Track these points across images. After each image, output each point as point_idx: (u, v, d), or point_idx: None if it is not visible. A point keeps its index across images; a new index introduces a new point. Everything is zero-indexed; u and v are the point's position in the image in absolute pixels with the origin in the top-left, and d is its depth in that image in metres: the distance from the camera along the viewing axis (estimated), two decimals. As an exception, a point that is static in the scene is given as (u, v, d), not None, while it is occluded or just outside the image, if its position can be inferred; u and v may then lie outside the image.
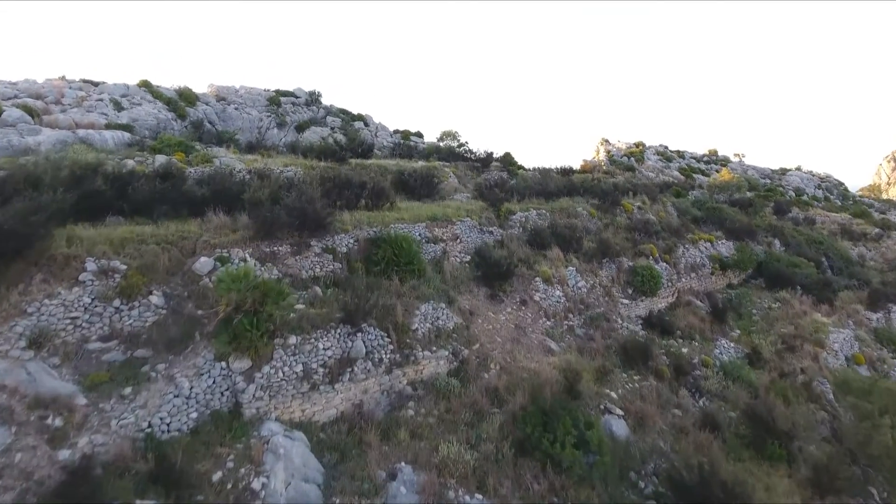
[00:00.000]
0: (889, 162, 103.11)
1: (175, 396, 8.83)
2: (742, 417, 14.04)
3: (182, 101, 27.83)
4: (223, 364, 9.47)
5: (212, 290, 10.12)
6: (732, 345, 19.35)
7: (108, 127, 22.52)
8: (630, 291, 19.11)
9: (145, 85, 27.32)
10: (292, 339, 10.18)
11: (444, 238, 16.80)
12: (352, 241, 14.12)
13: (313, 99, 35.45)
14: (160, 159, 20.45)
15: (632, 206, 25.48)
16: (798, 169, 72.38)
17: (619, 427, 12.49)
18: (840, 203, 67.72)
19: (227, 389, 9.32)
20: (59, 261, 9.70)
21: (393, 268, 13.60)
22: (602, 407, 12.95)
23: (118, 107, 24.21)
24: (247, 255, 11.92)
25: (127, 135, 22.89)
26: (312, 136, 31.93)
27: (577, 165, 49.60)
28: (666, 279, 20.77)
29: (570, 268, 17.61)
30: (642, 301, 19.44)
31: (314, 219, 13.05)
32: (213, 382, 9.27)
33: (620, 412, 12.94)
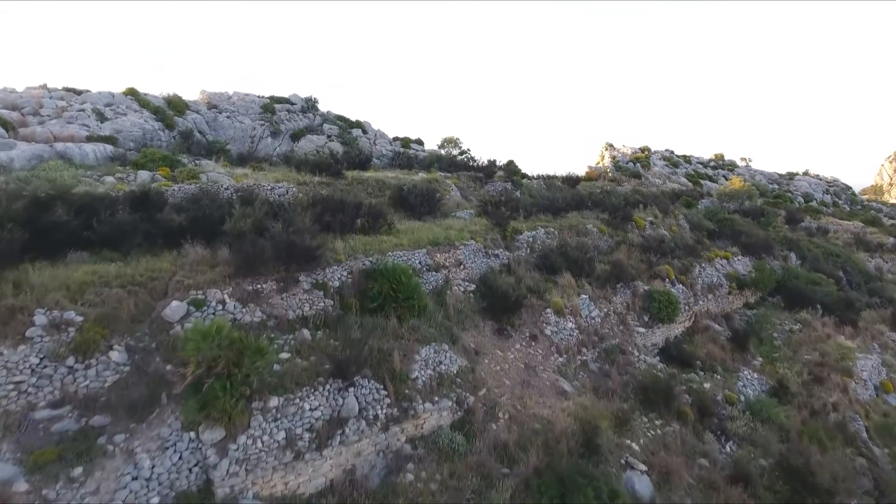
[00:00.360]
0: (891, 162, 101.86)
1: (133, 479, 7.52)
2: (776, 468, 12.74)
3: (171, 109, 26.51)
4: (192, 435, 8.17)
5: (183, 342, 8.80)
6: (756, 375, 18.04)
7: (90, 139, 21.20)
8: (646, 318, 17.78)
9: (132, 93, 26.01)
10: (273, 402, 8.86)
11: (447, 264, 15.48)
12: (345, 273, 12.81)
13: (309, 105, 34.14)
14: (143, 175, 19.17)
15: (644, 222, 24.15)
16: (806, 174, 71.10)
17: (643, 485, 11.19)
18: (848, 208, 66.48)
19: (195, 465, 8.01)
20: (3, 313, 8.39)
21: (391, 304, 12.28)
22: (623, 461, 11.65)
23: (101, 117, 22.90)
24: (226, 297, 10.60)
25: (110, 148, 21.57)
26: (308, 144, 30.64)
27: (580, 169, 48.23)
28: (683, 303, 19.44)
29: (583, 296, 16.29)
30: (659, 328, 18.11)
31: (304, 251, 11.73)
32: (180, 458, 7.96)
33: (644, 467, 11.63)
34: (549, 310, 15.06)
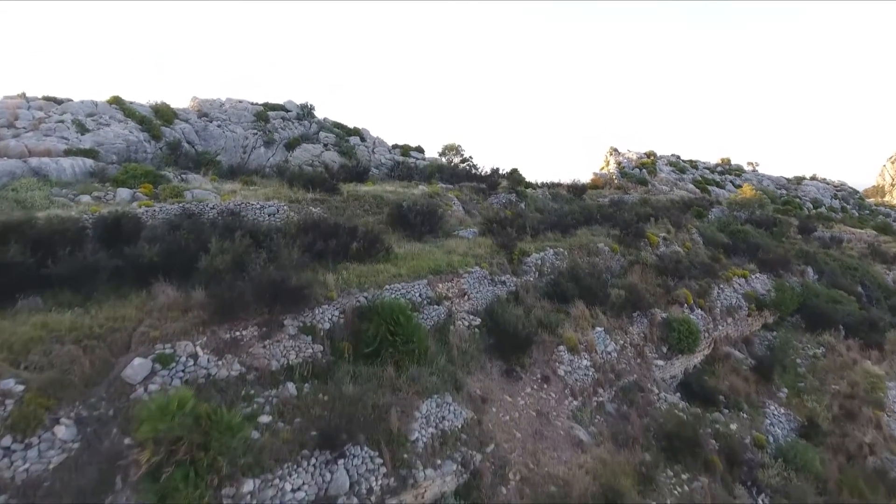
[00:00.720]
0: (893, 163, 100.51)
1: None
2: (817, 531, 11.47)
3: (158, 118, 25.18)
4: (149, 532, 6.85)
5: (136, 421, 7.47)
6: (783, 411, 16.75)
7: (68, 153, 19.88)
8: (665, 350, 16.47)
9: (116, 102, 24.67)
10: (248, 486, 7.54)
11: (450, 295, 14.16)
12: (337, 313, 11.47)
13: (305, 112, 32.80)
14: (122, 194, 17.88)
15: (657, 238, 22.83)
16: (813, 178, 69.75)
17: (673, 558, 9.90)
18: (857, 214, 65.19)
19: (152, 570, 6.70)
20: (-75, 386, 7.08)
21: (388, 349, 10.97)
22: (649, 530, 10.36)
23: (82, 129, 21.58)
24: (198, 349, 9.28)
25: (90, 162, 20.27)
26: (304, 154, 29.31)
27: (585, 174, 47.03)
28: (703, 329, 18.12)
29: (598, 328, 14.96)
30: (678, 359, 16.81)
31: (289, 292, 10.41)
32: (133, 563, 6.65)
33: (672, 536, 10.35)
34: (562, 346, 13.73)
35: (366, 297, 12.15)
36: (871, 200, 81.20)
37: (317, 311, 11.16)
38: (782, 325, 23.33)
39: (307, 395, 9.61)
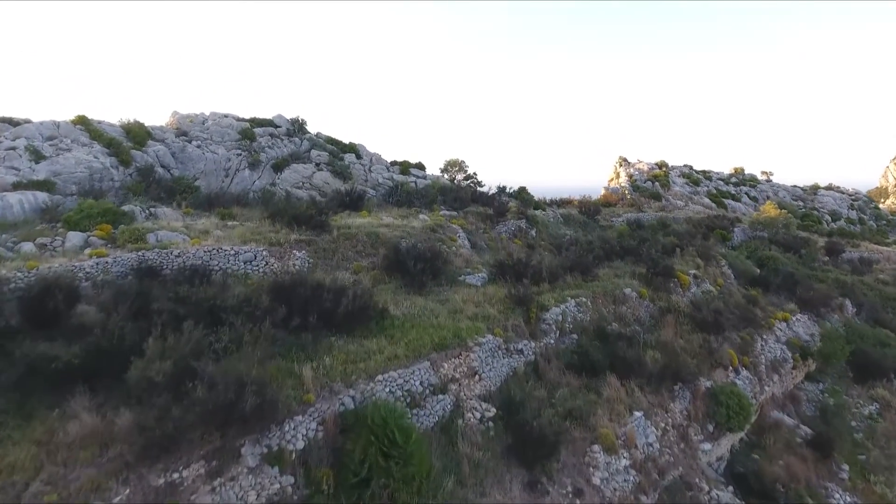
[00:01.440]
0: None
1: None
2: None
3: (129, 140, 22.62)
4: None
5: None
6: (849, 499, 14.19)
7: (17, 187, 17.33)
8: (711, 428, 13.91)
9: (82, 122, 22.09)
10: None
11: (457, 375, 11.59)
12: (314, 424, 8.91)
13: (296, 128, 30.22)
14: (73, 239, 15.33)
15: (687, 278, 20.26)
16: (829, 187, 67.21)
17: None
18: (875, 225, 62.78)
19: None
20: None
21: (380, 478, 8.41)
22: None
23: (37, 156, 19.02)
24: (115, 512, 6.72)
25: (43, 196, 17.69)
26: (293, 175, 26.76)
27: (590, 179, 44.65)
28: (749, 394, 15.58)
29: (636, 413, 12.39)
30: (725, 437, 14.26)
31: (249, 411, 7.84)
32: None
33: None
34: (596, 446, 11.15)
35: (352, 398, 9.58)
36: (885, 208, 78.81)
37: (287, 428, 8.58)
38: (827, 373, 20.81)
39: (268, 565, 7.06)
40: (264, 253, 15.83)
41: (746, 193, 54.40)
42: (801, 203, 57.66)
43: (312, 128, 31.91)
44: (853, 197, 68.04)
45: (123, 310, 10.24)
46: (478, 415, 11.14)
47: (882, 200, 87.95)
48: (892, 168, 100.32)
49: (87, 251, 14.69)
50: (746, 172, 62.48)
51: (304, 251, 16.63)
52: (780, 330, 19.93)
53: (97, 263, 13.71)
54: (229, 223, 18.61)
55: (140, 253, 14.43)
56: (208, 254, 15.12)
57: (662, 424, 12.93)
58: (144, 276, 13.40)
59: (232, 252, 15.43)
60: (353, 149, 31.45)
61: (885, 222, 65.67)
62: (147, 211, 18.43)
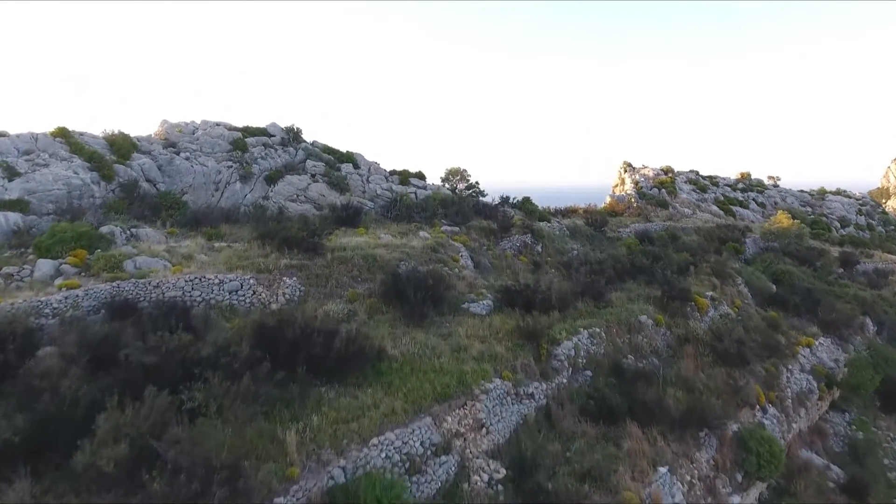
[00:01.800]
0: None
1: None
2: None
3: (113, 153, 21.39)
4: None
5: None
6: (890, 554, 12.95)
7: (-13, 207, 16.15)
8: (740, 478, 12.69)
9: (62, 134, 20.86)
10: None
11: (462, 429, 10.39)
12: (298, 505, 7.69)
13: (291, 137, 28.98)
14: (42, 267, 14.11)
15: (705, 301, 19.05)
16: (837, 192, 65.97)
17: None
18: (884, 230, 61.62)
19: None
20: None
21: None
22: None
23: (11, 172, 17.81)
24: None
25: (16, 216, 16.52)
26: (287, 188, 25.52)
27: (593, 181, 43.36)
28: (778, 435, 14.37)
29: (661, 469, 11.16)
30: (755, 487, 13.05)
31: (222, 501, 6.61)
32: None
33: None
34: (619, 513, 9.94)
35: (342, 469, 8.35)
36: (892, 211, 77.67)
37: (263, 515, 7.36)
38: (852, 401, 19.60)
39: None
40: (251, 281, 14.63)
41: (754, 200, 53.19)
42: (809, 209, 56.39)
43: (309, 136, 30.70)
44: (861, 202, 66.82)
45: (84, 361, 9.04)
46: (486, 476, 9.92)
47: (884, 201, 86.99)
48: (893, 168, 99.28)
49: (58, 282, 13.51)
50: (753, 178, 61.21)
51: (294, 278, 15.42)
52: (804, 357, 18.72)
53: (66, 297, 12.54)
54: (216, 245, 17.40)
55: (115, 284, 13.26)
56: (190, 283, 13.95)
57: (688, 478, 11.70)
58: (118, 311, 12.23)
59: (216, 281, 14.24)
60: (350, 158, 30.22)
61: (893, 227, 64.55)
62: (128, 232, 17.19)
